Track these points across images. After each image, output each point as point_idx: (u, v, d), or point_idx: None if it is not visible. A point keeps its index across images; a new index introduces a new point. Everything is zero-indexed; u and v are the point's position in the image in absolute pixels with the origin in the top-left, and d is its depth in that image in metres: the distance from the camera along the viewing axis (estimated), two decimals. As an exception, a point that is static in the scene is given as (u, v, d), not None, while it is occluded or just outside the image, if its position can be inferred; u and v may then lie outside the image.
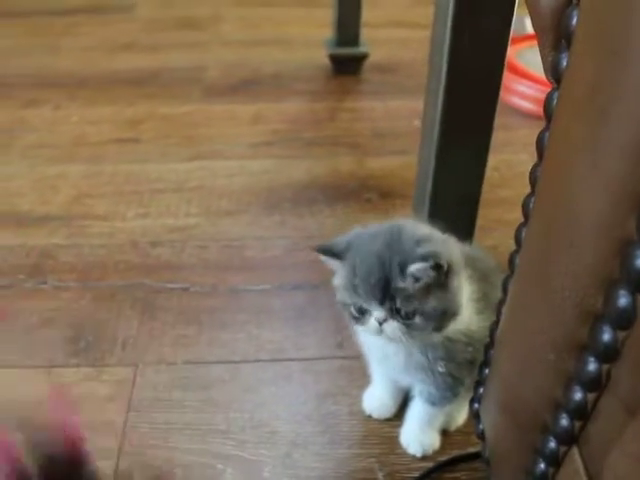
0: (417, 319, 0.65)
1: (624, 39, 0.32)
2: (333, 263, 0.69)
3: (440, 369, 0.70)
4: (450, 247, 0.68)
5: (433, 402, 0.77)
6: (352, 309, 0.68)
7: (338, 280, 0.69)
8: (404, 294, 0.64)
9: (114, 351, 0.95)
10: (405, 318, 0.65)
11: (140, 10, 2.19)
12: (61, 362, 0.94)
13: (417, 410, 0.80)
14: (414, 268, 0.63)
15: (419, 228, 0.69)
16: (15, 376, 0.92)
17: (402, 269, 0.63)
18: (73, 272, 1.09)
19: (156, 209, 1.24)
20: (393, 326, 0.65)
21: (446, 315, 0.66)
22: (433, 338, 0.68)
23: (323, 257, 0.69)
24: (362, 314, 0.67)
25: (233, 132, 1.49)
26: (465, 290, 0.69)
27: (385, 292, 0.64)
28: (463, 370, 0.72)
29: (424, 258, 0.62)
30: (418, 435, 0.81)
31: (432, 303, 0.64)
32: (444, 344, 0.69)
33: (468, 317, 0.70)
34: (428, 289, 0.64)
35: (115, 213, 1.23)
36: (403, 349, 0.71)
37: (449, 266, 0.64)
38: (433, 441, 0.82)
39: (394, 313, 0.65)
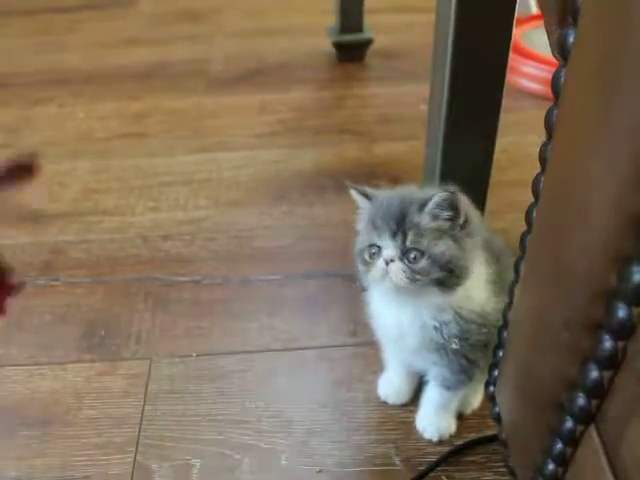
0: (423, 263, 0.65)
1: (633, 11, 0.32)
2: (362, 202, 0.72)
3: (454, 346, 0.70)
4: (474, 213, 0.70)
5: (448, 386, 0.77)
6: (365, 254, 0.68)
7: (361, 223, 0.72)
8: (417, 230, 0.65)
9: (128, 345, 0.96)
10: (412, 261, 0.65)
11: (142, 4, 2.18)
12: (76, 358, 0.94)
13: (432, 394, 0.80)
14: (433, 202, 0.65)
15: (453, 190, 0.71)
16: (30, 373, 0.92)
17: (421, 206, 0.66)
18: (84, 268, 1.10)
19: (165, 202, 1.24)
20: (398, 267, 0.65)
21: (453, 271, 0.66)
22: (435, 299, 0.68)
23: (356, 196, 0.72)
24: (372, 258, 0.67)
25: (239, 123, 1.49)
26: (481, 272, 0.70)
27: (399, 225, 0.65)
28: (477, 352, 0.72)
29: (444, 193, 0.65)
30: (434, 420, 0.81)
31: (441, 248, 0.65)
32: (458, 322, 0.69)
33: (485, 299, 0.70)
34: (440, 234, 0.66)
35: (124, 208, 1.24)
36: (417, 323, 0.70)
37: (466, 221, 0.66)
38: (449, 425, 0.81)
39: (402, 254, 0.65)
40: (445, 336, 0.70)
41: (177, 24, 2.02)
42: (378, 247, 0.67)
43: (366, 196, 0.71)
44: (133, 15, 2.11)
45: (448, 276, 0.66)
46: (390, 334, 0.75)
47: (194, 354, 0.94)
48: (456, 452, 0.79)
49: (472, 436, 0.81)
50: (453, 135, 0.90)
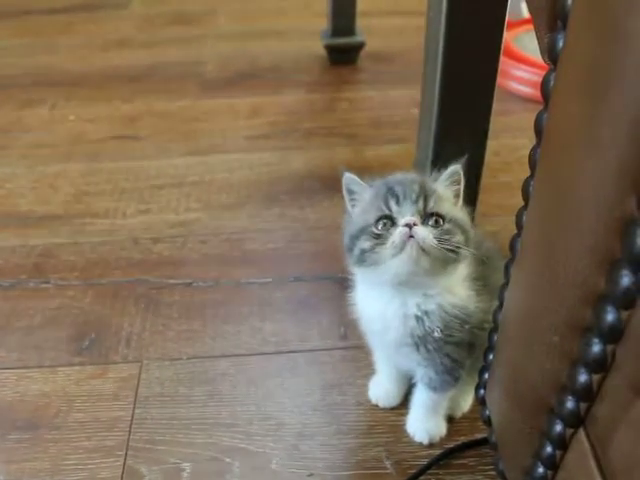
0: (448, 225, 0.66)
1: (622, 16, 0.32)
2: (358, 187, 0.71)
3: (436, 334, 0.69)
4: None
5: (434, 387, 0.77)
6: (374, 228, 0.66)
7: (357, 207, 0.71)
8: (437, 196, 0.67)
9: (118, 348, 0.95)
10: (434, 225, 0.65)
11: (135, 6, 2.18)
12: (66, 361, 0.94)
13: (421, 397, 0.80)
14: (449, 171, 0.69)
15: None
16: (20, 376, 0.92)
17: (436, 177, 0.70)
18: (75, 270, 1.09)
19: (156, 205, 1.24)
20: (424, 230, 0.64)
21: (467, 241, 0.67)
22: (445, 273, 0.67)
23: (350, 178, 0.71)
24: (386, 229, 0.66)
25: (231, 125, 1.49)
26: (463, 269, 0.70)
27: (421, 191, 0.66)
28: (461, 352, 0.72)
29: (458, 165, 0.69)
30: (423, 423, 0.81)
31: (459, 213, 0.68)
32: (440, 314, 0.69)
33: (466, 295, 0.70)
34: (452, 204, 0.69)
35: (115, 210, 1.23)
36: (400, 314, 0.70)
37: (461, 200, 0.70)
38: (439, 428, 0.81)
39: (425, 218, 0.65)
40: (427, 327, 0.69)
41: (169, 26, 2.02)
42: (390, 218, 0.66)
43: (369, 183, 0.72)
44: (125, 17, 2.11)
45: (465, 241, 0.67)
46: (374, 328, 0.75)
47: (185, 357, 0.94)
48: (447, 455, 0.79)
49: (462, 439, 0.81)
50: (444, 138, 0.90)
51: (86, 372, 0.92)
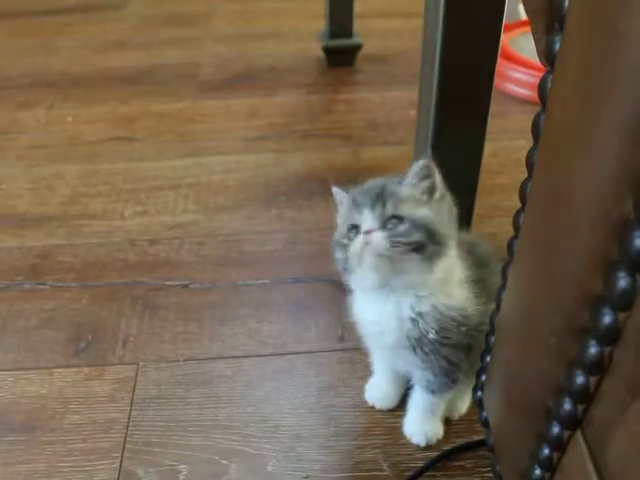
0: (403, 227, 0.65)
1: (618, 18, 0.32)
2: (341, 196, 0.74)
3: (431, 336, 0.69)
4: (444, 186, 0.71)
5: (432, 390, 0.77)
6: (344, 238, 0.69)
7: (339, 217, 0.74)
8: (396, 198, 0.67)
9: (115, 350, 0.95)
10: (392, 228, 0.65)
11: (132, 7, 2.18)
12: (62, 363, 0.94)
13: (418, 399, 0.80)
14: (412, 171, 0.68)
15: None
16: (16, 378, 0.92)
17: (401, 180, 0.69)
18: (71, 272, 1.09)
19: (153, 207, 1.24)
20: (378, 235, 0.65)
21: (433, 235, 0.66)
22: (417, 272, 0.67)
23: (336, 191, 0.75)
24: (351, 239, 0.68)
25: (228, 127, 1.49)
26: (458, 270, 0.70)
27: (378, 197, 0.67)
28: (459, 353, 0.72)
29: (422, 160, 0.68)
30: (421, 425, 0.81)
31: (421, 213, 0.66)
32: (435, 316, 0.69)
33: (464, 297, 0.70)
34: (418, 202, 0.67)
35: (112, 212, 1.23)
36: (395, 316, 0.70)
37: (443, 195, 0.69)
38: (436, 430, 0.81)
39: (382, 224, 0.66)
40: (422, 328, 0.69)
41: (167, 28, 2.02)
42: (357, 226, 0.67)
43: (346, 191, 0.73)
44: (123, 18, 2.11)
45: (428, 241, 0.65)
46: (371, 330, 0.75)
47: (181, 359, 0.94)
48: (444, 457, 0.79)
49: (460, 441, 0.81)
50: (441, 140, 0.90)
51: (82, 374, 0.92)
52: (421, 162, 0.67)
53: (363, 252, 0.65)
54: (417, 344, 0.70)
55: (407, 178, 0.68)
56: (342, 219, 0.72)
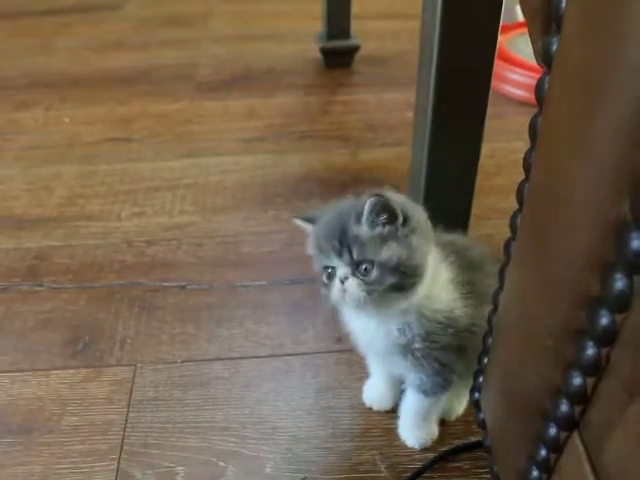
0: (375, 273, 0.65)
1: (616, 19, 0.32)
2: (307, 228, 0.72)
3: (417, 345, 0.70)
4: (415, 208, 0.69)
5: (425, 391, 0.76)
6: (323, 277, 0.69)
7: (310, 248, 0.71)
8: (359, 242, 0.65)
9: (112, 351, 0.95)
10: (364, 273, 0.65)
11: (130, 8, 2.18)
12: (59, 364, 0.93)
13: (410, 403, 0.80)
14: (366, 210, 0.64)
15: (389, 192, 0.70)
16: (13, 380, 0.91)
17: (358, 217, 0.65)
18: (69, 273, 1.09)
19: (151, 208, 1.24)
20: (353, 284, 0.65)
21: (405, 273, 0.65)
22: (400, 304, 0.67)
23: (300, 222, 0.73)
24: (330, 278, 0.68)
25: (226, 128, 1.49)
26: (442, 272, 0.70)
27: (342, 242, 0.65)
28: (450, 355, 0.71)
29: (372, 199, 0.64)
30: (413, 430, 0.81)
31: (387, 253, 0.65)
32: (421, 322, 0.69)
33: (450, 299, 0.70)
34: (383, 239, 0.65)
35: (110, 213, 1.23)
36: (382, 328, 0.70)
37: (406, 219, 0.66)
38: (430, 433, 0.81)
39: (354, 269, 0.65)
40: (408, 336, 0.69)
41: (164, 29, 2.02)
42: (333, 267, 0.67)
43: (309, 220, 0.72)
44: (121, 19, 2.11)
45: (402, 279, 0.65)
46: (360, 340, 0.76)
47: (179, 360, 0.93)
48: (441, 458, 0.79)
49: (457, 442, 0.81)
50: (439, 141, 0.90)
51: (80, 375, 0.92)
52: (371, 201, 0.64)
53: (343, 296, 0.66)
54: (407, 350, 0.71)
55: (363, 216, 0.65)
56: (313, 253, 0.71)
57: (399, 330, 0.70)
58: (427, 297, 0.69)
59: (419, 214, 0.69)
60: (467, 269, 0.72)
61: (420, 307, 0.68)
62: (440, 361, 0.72)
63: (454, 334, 0.70)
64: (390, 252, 0.65)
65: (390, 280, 0.65)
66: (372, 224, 0.65)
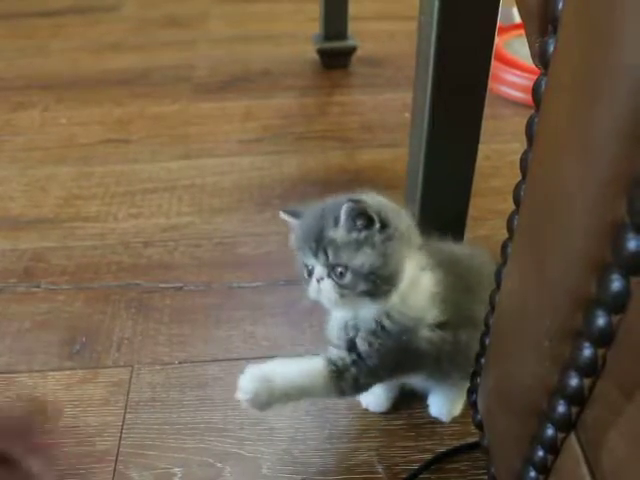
0: (348, 277, 0.66)
1: (613, 20, 0.32)
2: (292, 222, 0.73)
3: (361, 346, 0.70)
4: (398, 214, 0.70)
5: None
6: (304, 272, 0.70)
7: (292, 242, 0.73)
8: (335, 245, 0.66)
9: (109, 353, 0.95)
10: (339, 276, 0.66)
11: (127, 9, 2.18)
12: (56, 365, 0.93)
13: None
14: (342, 215, 0.65)
15: (370, 196, 0.71)
16: (9, 381, 0.91)
17: (336, 221, 0.66)
18: (65, 274, 1.09)
19: (147, 209, 1.24)
20: (327, 284, 0.67)
21: (379, 280, 0.66)
22: (372, 307, 0.69)
23: (285, 217, 0.74)
24: (309, 275, 0.69)
25: (223, 129, 1.49)
26: (425, 280, 0.70)
27: (319, 244, 0.66)
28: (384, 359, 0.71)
29: (349, 205, 0.64)
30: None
31: (360, 260, 0.65)
32: (384, 320, 0.70)
33: (423, 308, 0.70)
34: (359, 245, 0.66)
35: (106, 214, 1.23)
36: (342, 324, 0.72)
37: (384, 225, 0.66)
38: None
39: (329, 270, 0.67)
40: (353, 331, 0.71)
41: (161, 30, 2.02)
42: (312, 265, 0.69)
43: (294, 215, 0.73)
44: (117, 20, 2.11)
45: (374, 286, 0.66)
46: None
47: (176, 362, 0.93)
48: (438, 460, 0.79)
49: (454, 443, 0.81)
50: (436, 142, 0.90)
51: (77, 377, 0.92)
52: (347, 206, 0.64)
53: (318, 295, 0.68)
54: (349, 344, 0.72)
55: (340, 221, 0.66)
56: (294, 248, 0.72)
57: (353, 327, 0.71)
58: (401, 302, 0.69)
59: (400, 219, 0.69)
60: (459, 291, 0.72)
61: (390, 308, 0.69)
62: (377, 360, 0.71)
63: (406, 340, 0.70)
64: (364, 258, 0.66)
65: (362, 287, 0.66)
66: (349, 228, 0.66)
